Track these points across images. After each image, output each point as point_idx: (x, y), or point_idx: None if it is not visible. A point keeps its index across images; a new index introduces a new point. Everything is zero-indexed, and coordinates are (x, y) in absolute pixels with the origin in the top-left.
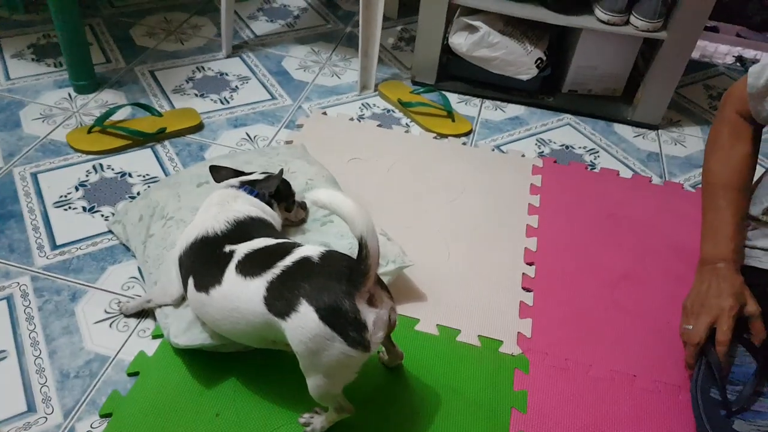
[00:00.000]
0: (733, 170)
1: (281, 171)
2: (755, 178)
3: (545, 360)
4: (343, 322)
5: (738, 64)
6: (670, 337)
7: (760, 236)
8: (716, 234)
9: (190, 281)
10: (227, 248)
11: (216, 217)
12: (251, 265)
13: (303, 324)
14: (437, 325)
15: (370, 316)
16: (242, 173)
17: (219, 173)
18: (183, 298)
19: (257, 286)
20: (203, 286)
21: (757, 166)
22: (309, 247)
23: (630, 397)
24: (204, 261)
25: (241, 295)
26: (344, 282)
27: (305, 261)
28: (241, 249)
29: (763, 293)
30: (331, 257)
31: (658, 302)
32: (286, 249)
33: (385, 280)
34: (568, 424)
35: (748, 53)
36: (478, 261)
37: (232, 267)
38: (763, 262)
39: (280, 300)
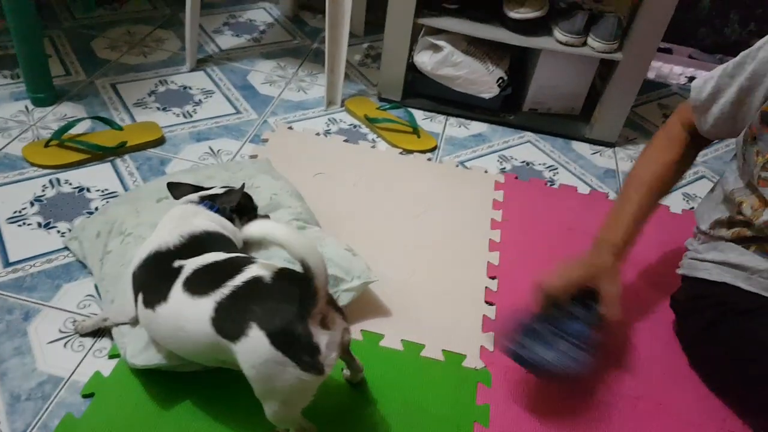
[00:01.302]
0: (654, 172)
1: (243, 185)
2: (706, 192)
3: (507, 374)
4: (295, 346)
5: (690, 83)
6: (627, 349)
7: (709, 249)
8: (615, 221)
9: (140, 297)
10: (176, 263)
11: (171, 231)
12: (199, 283)
13: (254, 349)
14: (402, 340)
15: (323, 338)
16: (202, 188)
17: (178, 190)
18: None
19: (205, 306)
20: (150, 303)
21: (706, 182)
22: (261, 264)
23: (588, 409)
24: (153, 276)
25: (187, 314)
26: (296, 304)
27: (256, 281)
28: (190, 264)
29: (712, 305)
30: (282, 277)
31: None
32: (236, 266)
33: (350, 295)
34: None
35: (700, 74)
36: (443, 275)
37: (179, 284)
38: (713, 274)
39: (229, 322)
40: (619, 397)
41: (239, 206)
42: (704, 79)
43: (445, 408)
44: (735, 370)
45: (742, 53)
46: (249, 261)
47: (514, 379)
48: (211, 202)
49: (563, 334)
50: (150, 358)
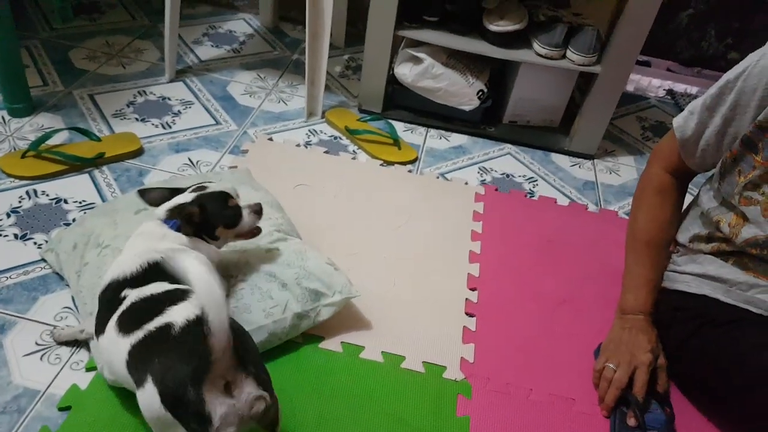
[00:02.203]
0: (658, 229)
1: (202, 191)
2: (684, 207)
3: (487, 385)
4: (184, 410)
5: (668, 97)
6: None
7: (688, 262)
8: (638, 288)
9: (95, 323)
10: (124, 293)
11: (132, 258)
12: (127, 320)
13: (148, 402)
14: (382, 352)
15: (219, 407)
16: (176, 191)
17: (150, 196)
18: None
19: (123, 347)
20: (97, 332)
21: (686, 196)
22: (185, 306)
23: (568, 421)
24: (105, 305)
25: (112, 350)
26: (194, 364)
27: (166, 328)
28: (132, 296)
29: (692, 317)
30: (193, 328)
31: (595, 326)
32: (163, 304)
33: (331, 310)
34: None
35: (678, 87)
36: (423, 287)
37: (115, 317)
38: (692, 286)
39: (136, 369)
40: (599, 409)
41: (203, 217)
42: (684, 117)
43: (426, 419)
44: (715, 381)
45: (718, 84)
46: (180, 298)
47: (494, 391)
48: (177, 219)
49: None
50: None
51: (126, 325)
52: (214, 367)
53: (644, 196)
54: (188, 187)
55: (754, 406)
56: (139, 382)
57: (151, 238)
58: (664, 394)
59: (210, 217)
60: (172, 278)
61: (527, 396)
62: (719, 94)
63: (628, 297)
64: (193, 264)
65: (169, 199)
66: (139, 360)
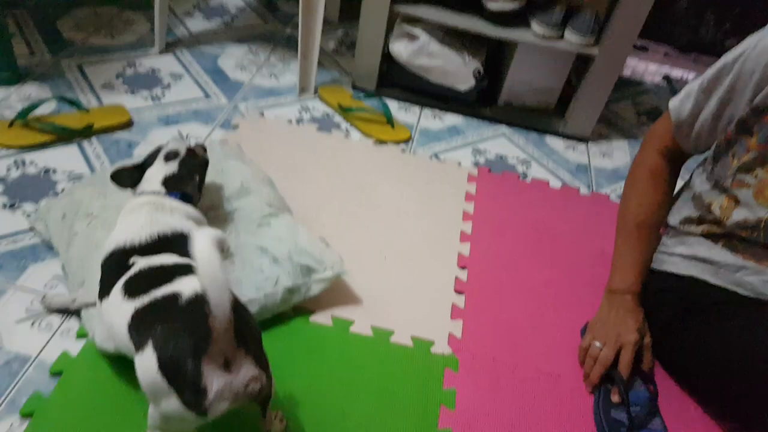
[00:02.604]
0: (649, 211)
1: (177, 157)
2: (675, 190)
3: (474, 359)
4: (181, 380)
5: (665, 82)
6: None
7: (677, 244)
8: (627, 268)
9: (99, 287)
10: (132, 260)
11: (142, 227)
12: (136, 285)
13: (146, 366)
14: (372, 326)
15: (215, 382)
16: (144, 165)
17: (123, 177)
18: None
19: (127, 310)
20: (101, 296)
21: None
22: (195, 279)
23: (554, 396)
24: (111, 270)
25: (115, 313)
26: (196, 337)
27: (173, 297)
28: (139, 264)
29: (679, 298)
30: (200, 302)
31: (582, 305)
32: (171, 274)
33: (322, 286)
34: (494, 421)
35: (675, 73)
36: (414, 264)
37: (122, 281)
38: (680, 267)
39: (137, 332)
40: (582, 383)
41: (201, 180)
42: (680, 99)
43: (413, 392)
44: (700, 362)
45: (716, 66)
46: (191, 271)
47: (480, 366)
48: (179, 190)
49: (636, 409)
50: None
51: (132, 290)
52: (214, 344)
53: (636, 178)
54: (151, 157)
55: (738, 386)
56: (139, 346)
57: (159, 210)
58: (649, 372)
59: (201, 178)
60: (180, 252)
61: (513, 371)
62: (716, 77)
63: (616, 277)
64: (205, 244)
65: (139, 176)
66: (141, 324)
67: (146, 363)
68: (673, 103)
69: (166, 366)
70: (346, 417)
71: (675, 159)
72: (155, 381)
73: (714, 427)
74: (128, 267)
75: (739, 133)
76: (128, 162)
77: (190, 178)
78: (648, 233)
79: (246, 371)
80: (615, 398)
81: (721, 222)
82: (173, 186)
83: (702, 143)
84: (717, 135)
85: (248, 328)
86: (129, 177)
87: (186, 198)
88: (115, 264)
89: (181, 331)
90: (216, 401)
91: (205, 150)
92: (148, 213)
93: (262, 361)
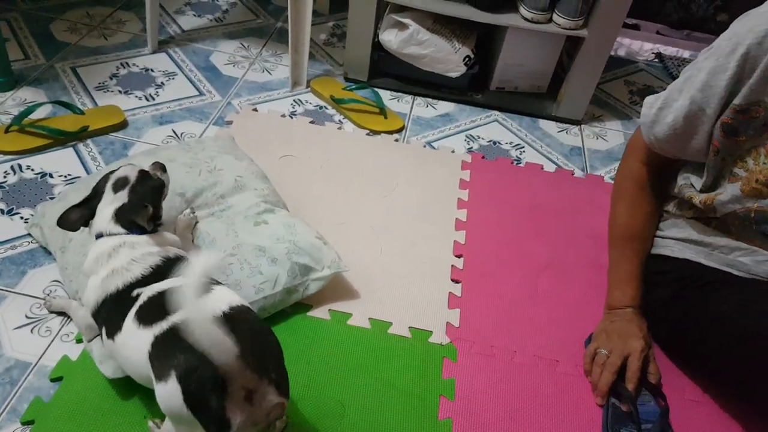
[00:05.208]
0: (638, 223)
1: (127, 185)
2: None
3: (472, 348)
4: (206, 413)
5: (657, 60)
6: (590, 323)
7: (671, 226)
8: (624, 283)
9: (103, 331)
10: (135, 292)
11: (132, 263)
12: (150, 312)
13: (169, 397)
14: (369, 318)
15: (239, 415)
16: (89, 200)
17: (71, 221)
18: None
19: (145, 339)
20: (111, 335)
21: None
22: (225, 291)
23: (552, 381)
24: (114, 311)
25: (132, 345)
26: (220, 368)
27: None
28: (147, 292)
29: (674, 279)
30: (237, 318)
31: (579, 290)
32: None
33: (319, 284)
34: (494, 409)
35: (668, 50)
36: (410, 255)
37: (132, 312)
38: (674, 250)
39: (158, 360)
40: (582, 369)
41: (155, 209)
42: (655, 96)
43: (412, 382)
44: (695, 341)
45: (691, 66)
46: (213, 284)
47: (478, 354)
48: (131, 223)
49: (648, 426)
50: (117, 370)
51: (148, 318)
52: (231, 387)
53: (623, 189)
54: (97, 190)
55: (735, 364)
56: (160, 377)
57: (135, 247)
58: (657, 385)
59: (157, 203)
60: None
61: (511, 358)
62: (689, 77)
63: (615, 293)
64: (192, 279)
65: (91, 213)
66: (162, 352)
67: (169, 394)
68: (648, 99)
69: (191, 399)
70: (346, 410)
71: (659, 167)
72: (181, 412)
73: None
74: (133, 299)
75: (727, 138)
76: (74, 198)
77: (142, 207)
78: (641, 244)
79: (268, 401)
80: (624, 408)
81: (714, 209)
82: (124, 219)
83: (672, 146)
84: (688, 144)
85: (269, 350)
86: (79, 218)
87: (143, 231)
88: (115, 305)
89: (203, 361)
90: (239, 430)
91: (163, 169)
92: (127, 253)
93: (282, 387)
